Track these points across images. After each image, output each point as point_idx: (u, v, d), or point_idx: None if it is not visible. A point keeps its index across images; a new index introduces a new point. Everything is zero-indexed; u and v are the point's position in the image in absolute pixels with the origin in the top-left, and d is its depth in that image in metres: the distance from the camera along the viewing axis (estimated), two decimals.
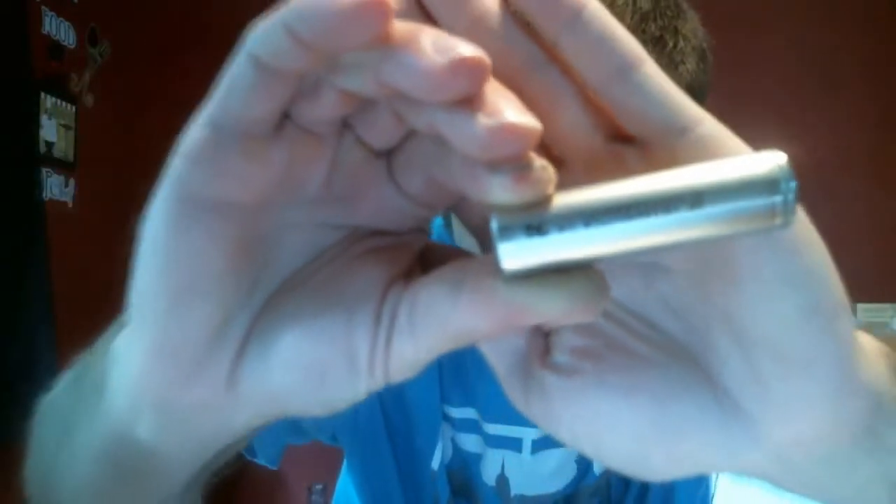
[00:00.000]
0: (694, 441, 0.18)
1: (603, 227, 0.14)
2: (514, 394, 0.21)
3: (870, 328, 1.67)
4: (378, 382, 0.17)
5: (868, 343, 0.19)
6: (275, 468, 0.53)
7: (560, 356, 0.20)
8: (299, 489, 1.96)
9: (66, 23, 1.87)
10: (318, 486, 1.85)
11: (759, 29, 1.79)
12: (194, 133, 0.15)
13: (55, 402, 0.29)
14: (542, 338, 0.21)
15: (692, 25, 0.42)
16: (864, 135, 1.75)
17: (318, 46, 0.13)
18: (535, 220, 0.14)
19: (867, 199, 1.71)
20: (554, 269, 0.14)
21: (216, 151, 0.15)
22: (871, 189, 1.73)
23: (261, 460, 0.50)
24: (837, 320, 0.17)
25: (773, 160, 0.14)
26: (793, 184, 0.13)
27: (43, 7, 1.78)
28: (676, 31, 0.40)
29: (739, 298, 0.17)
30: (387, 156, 0.18)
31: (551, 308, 0.14)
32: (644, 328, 0.20)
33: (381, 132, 0.17)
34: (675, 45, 0.40)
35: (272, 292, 0.18)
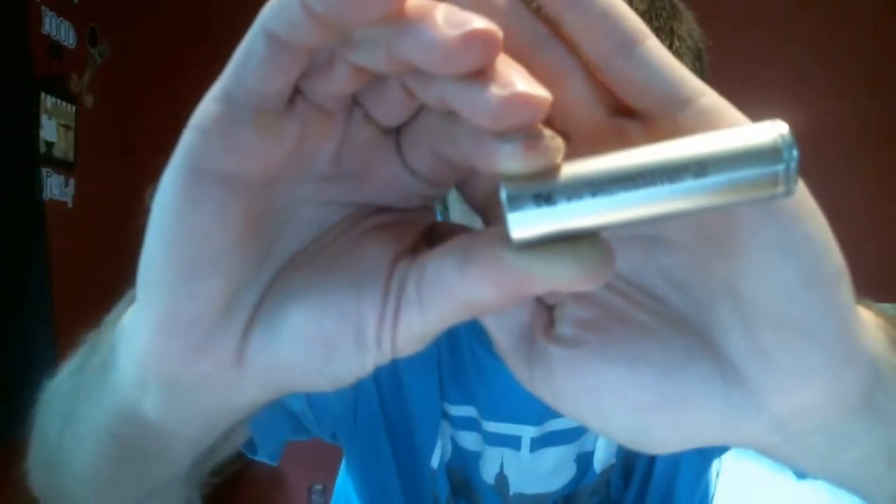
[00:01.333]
0: (697, 411, 0.18)
1: (610, 197, 0.14)
2: (518, 369, 0.21)
3: None
4: (385, 356, 0.17)
5: (867, 315, 0.19)
6: (275, 464, 0.53)
7: (564, 328, 0.20)
8: (299, 489, 1.96)
9: (66, 23, 1.87)
10: (318, 486, 1.84)
11: (761, 22, 1.79)
12: (207, 106, 0.15)
13: (59, 387, 0.29)
14: (546, 311, 0.21)
15: (688, 26, 0.42)
16: (865, 131, 1.74)
17: (332, 21, 0.13)
18: (544, 189, 0.14)
19: (868, 199, 1.71)
20: (561, 238, 0.14)
21: (228, 124, 0.15)
22: (872, 188, 1.73)
23: (261, 456, 0.50)
24: (837, 288, 0.17)
25: (775, 129, 0.14)
26: (795, 152, 0.14)
27: (43, 7, 1.78)
28: (672, 32, 0.40)
29: (740, 268, 0.17)
30: (395, 133, 0.19)
31: (559, 275, 0.14)
32: (647, 300, 0.20)
33: (390, 109, 0.17)
34: (670, 46, 0.40)
35: (280, 268, 0.18)
